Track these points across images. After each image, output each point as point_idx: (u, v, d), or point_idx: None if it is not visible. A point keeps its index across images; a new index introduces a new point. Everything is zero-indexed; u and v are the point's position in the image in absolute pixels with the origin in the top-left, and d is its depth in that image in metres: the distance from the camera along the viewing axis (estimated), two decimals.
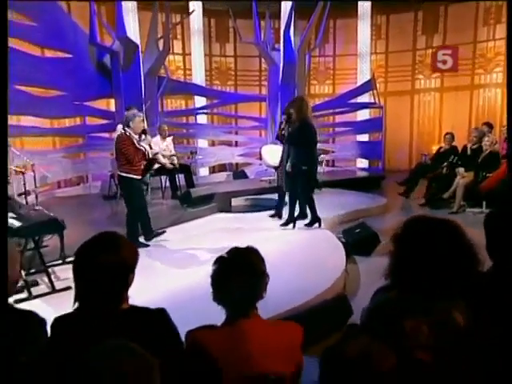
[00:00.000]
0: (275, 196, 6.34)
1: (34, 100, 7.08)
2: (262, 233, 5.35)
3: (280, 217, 5.94)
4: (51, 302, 3.43)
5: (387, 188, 8.73)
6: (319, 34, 9.65)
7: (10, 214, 3.70)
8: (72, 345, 1.38)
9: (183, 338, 1.57)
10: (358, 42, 10.54)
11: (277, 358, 1.45)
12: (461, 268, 1.36)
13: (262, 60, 10.47)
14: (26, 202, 5.37)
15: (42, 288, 3.82)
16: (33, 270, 3.92)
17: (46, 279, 3.83)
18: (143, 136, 4.95)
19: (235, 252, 1.57)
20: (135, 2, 8.57)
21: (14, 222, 3.59)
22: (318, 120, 10.72)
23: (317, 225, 5.54)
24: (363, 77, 10.28)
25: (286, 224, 5.58)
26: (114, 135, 5.27)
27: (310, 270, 4.11)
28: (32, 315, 1.50)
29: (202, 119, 9.98)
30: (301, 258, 4.49)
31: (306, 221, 5.63)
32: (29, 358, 1.36)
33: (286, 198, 5.89)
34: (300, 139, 5.33)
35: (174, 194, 7.41)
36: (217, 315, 1.58)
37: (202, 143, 9.92)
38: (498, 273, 1.60)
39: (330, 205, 6.98)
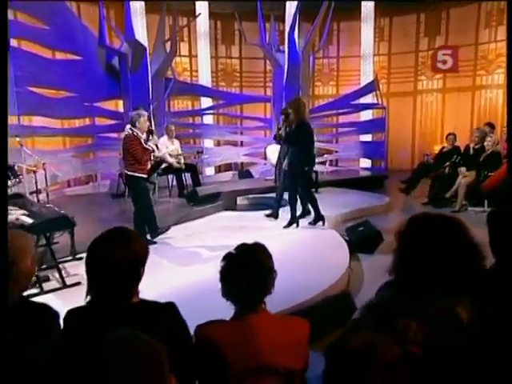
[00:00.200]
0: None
1: (45, 101, 7.12)
2: (267, 231, 5.35)
3: (276, 217, 5.89)
4: (62, 297, 3.45)
5: (390, 187, 8.70)
6: (323, 36, 9.63)
7: (23, 211, 3.74)
8: (84, 337, 1.39)
9: (191, 333, 1.58)
10: (361, 43, 10.50)
11: (285, 353, 1.46)
12: (464, 265, 1.35)
13: (267, 62, 10.45)
14: (38, 200, 5.42)
15: (53, 283, 3.85)
16: (44, 266, 3.94)
17: (56, 275, 3.87)
18: (150, 136, 4.98)
19: (243, 248, 1.58)
20: (143, 6, 8.58)
21: (26, 219, 3.62)
22: (322, 120, 10.74)
23: (320, 223, 5.52)
24: (366, 78, 10.24)
25: (288, 225, 5.54)
26: (123, 135, 5.30)
27: (314, 267, 4.11)
28: (46, 308, 1.52)
29: (208, 120, 9.98)
30: (305, 255, 4.49)
31: (310, 219, 5.61)
32: (43, 349, 1.38)
33: (285, 197, 5.85)
34: (298, 139, 5.31)
35: (181, 192, 7.43)
36: (222, 311, 1.58)
37: (208, 143, 9.92)
38: (501, 270, 1.59)
39: (334, 203, 6.98)
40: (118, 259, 1.43)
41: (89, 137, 8.32)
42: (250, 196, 7.34)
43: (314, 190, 8.03)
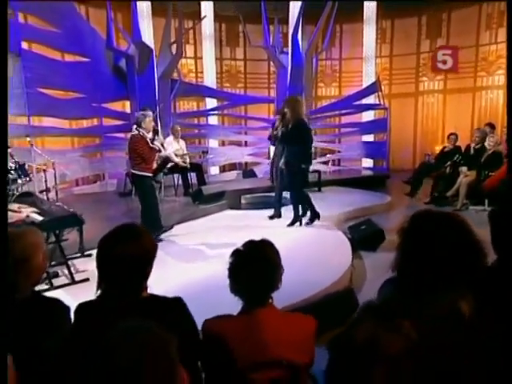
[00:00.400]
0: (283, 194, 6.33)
1: (54, 102, 7.15)
2: (271, 229, 5.35)
3: (279, 216, 5.86)
4: (71, 293, 3.46)
5: (392, 187, 8.69)
6: (326, 38, 9.62)
7: (33, 209, 3.76)
8: (94, 329, 1.40)
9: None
10: (363, 45, 10.47)
11: (291, 347, 1.46)
12: (466, 261, 1.35)
13: (271, 63, 10.45)
14: (47, 199, 5.44)
15: (62, 279, 3.87)
16: (54, 262, 3.96)
17: (66, 271, 3.88)
18: (155, 136, 5.00)
19: (251, 245, 1.58)
20: (150, 9, 8.60)
21: (36, 217, 3.64)
22: (325, 121, 10.73)
23: (317, 220, 5.47)
24: (368, 79, 10.21)
25: (292, 224, 5.53)
26: (129, 135, 5.32)
27: (317, 264, 4.11)
28: (58, 302, 1.53)
29: (212, 120, 9.99)
30: (309, 252, 4.49)
31: (306, 218, 5.56)
32: (55, 341, 1.39)
33: (285, 196, 5.82)
34: (295, 138, 5.23)
35: (186, 191, 7.45)
36: (228, 307, 1.58)
37: (213, 143, 9.93)
38: (503, 267, 1.59)
39: (337, 202, 6.98)
40: (128, 255, 1.44)
41: (96, 137, 8.35)
42: (254, 195, 7.34)
43: (316, 188, 8.10)
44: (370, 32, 10.37)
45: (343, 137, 10.85)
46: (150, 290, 1.56)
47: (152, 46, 8.37)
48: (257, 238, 1.67)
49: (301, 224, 5.53)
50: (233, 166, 10.42)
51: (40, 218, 3.63)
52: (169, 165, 7.30)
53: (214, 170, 9.74)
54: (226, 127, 10.40)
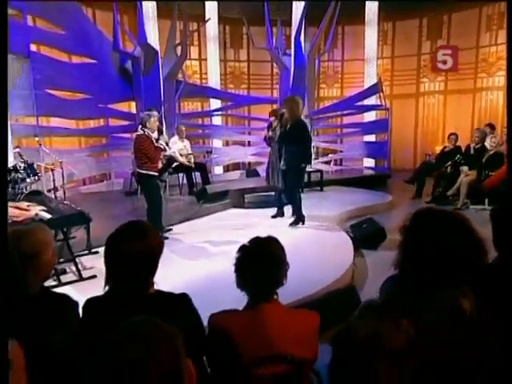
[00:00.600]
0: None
1: (62, 103, 7.17)
2: (274, 227, 5.33)
3: (282, 215, 5.83)
4: (78, 289, 3.48)
5: (393, 186, 8.67)
6: (328, 39, 9.59)
7: (41, 207, 3.78)
8: (102, 325, 1.41)
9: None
10: (365, 47, 10.45)
11: (295, 342, 1.46)
12: (467, 259, 1.35)
13: (274, 65, 10.44)
14: (55, 197, 5.46)
15: (70, 276, 3.88)
16: (62, 260, 3.98)
17: (73, 268, 3.89)
18: (160, 135, 5.01)
19: (257, 241, 1.58)
20: (155, 11, 8.61)
21: (45, 215, 3.65)
22: (327, 121, 10.71)
23: (301, 224, 5.36)
24: (370, 80, 10.19)
25: (295, 223, 5.50)
26: (135, 136, 5.32)
27: (320, 262, 4.11)
28: (67, 298, 1.54)
29: (216, 120, 9.99)
30: (311, 250, 4.48)
31: (291, 220, 5.48)
32: (63, 335, 1.39)
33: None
34: (294, 138, 5.16)
35: (191, 190, 7.46)
36: (231, 302, 1.59)
37: (217, 143, 9.93)
38: (503, 264, 1.58)
39: (339, 202, 6.98)
40: (135, 252, 1.44)
41: (103, 137, 8.37)
42: (257, 194, 7.35)
43: (319, 188, 8.09)
44: (371, 34, 10.34)
45: (345, 137, 10.83)
46: (156, 287, 1.56)
47: (157, 47, 8.38)
48: (261, 235, 1.67)
49: (303, 223, 5.51)
50: (236, 166, 10.43)
51: (48, 216, 3.64)
52: (174, 164, 7.31)
53: (217, 170, 9.74)
54: (230, 127, 10.40)
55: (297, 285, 3.20)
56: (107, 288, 1.50)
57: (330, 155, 10.41)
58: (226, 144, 10.30)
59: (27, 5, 6.37)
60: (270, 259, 1.52)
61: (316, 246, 4.72)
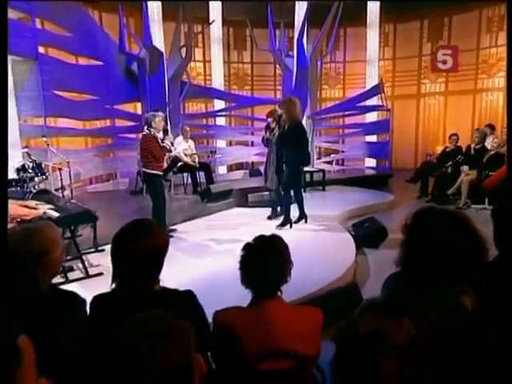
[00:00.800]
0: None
1: (69, 104, 7.18)
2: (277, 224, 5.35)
3: (277, 216, 5.76)
4: (85, 286, 3.47)
5: (394, 185, 8.66)
6: (330, 41, 9.58)
7: (49, 206, 3.79)
8: (109, 321, 1.41)
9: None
10: (366, 48, 10.42)
11: (298, 339, 1.46)
12: (469, 257, 1.34)
13: (277, 66, 10.44)
14: (63, 196, 5.48)
15: (77, 273, 3.89)
16: (69, 257, 3.99)
17: (80, 265, 3.90)
18: (165, 135, 5.02)
19: (262, 239, 1.58)
20: (161, 14, 8.62)
21: (52, 213, 3.66)
22: (329, 122, 10.69)
23: (288, 226, 5.31)
24: (372, 81, 10.16)
25: (297, 221, 5.47)
26: (140, 136, 5.33)
27: (322, 260, 4.10)
28: (75, 296, 1.54)
29: (220, 121, 10.00)
30: (314, 249, 4.47)
31: (279, 221, 5.42)
32: (72, 332, 1.40)
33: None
34: (292, 139, 5.12)
35: (195, 189, 7.47)
36: (235, 300, 1.59)
37: (221, 143, 9.93)
38: (504, 262, 1.58)
39: (341, 201, 6.97)
40: (141, 250, 1.44)
41: (109, 137, 8.39)
42: (260, 193, 7.34)
43: (321, 187, 8.08)
44: (373, 35, 10.31)
45: (347, 137, 10.81)
46: (161, 284, 1.56)
47: (162, 49, 8.39)
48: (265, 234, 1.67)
49: (306, 221, 5.48)
50: (240, 166, 10.43)
51: (56, 215, 3.65)
52: (178, 164, 7.32)
53: (221, 170, 9.75)
54: (234, 128, 10.40)
55: (300, 283, 3.19)
56: (114, 285, 1.50)
57: (332, 155, 10.40)
58: (230, 144, 10.30)
59: (36, 8, 6.39)
60: (274, 257, 1.52)
61: (318, 244, 4.72)
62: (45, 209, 3.68)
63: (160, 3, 8.55)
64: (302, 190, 7.55)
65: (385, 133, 9.72)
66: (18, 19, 6.48)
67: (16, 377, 0.89)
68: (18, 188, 4.98)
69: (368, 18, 10.20)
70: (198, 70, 10.55)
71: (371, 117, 10.21)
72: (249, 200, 7.07)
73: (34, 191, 4.93)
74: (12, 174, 5.38)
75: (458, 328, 1.22)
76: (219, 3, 9.41)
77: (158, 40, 8.46)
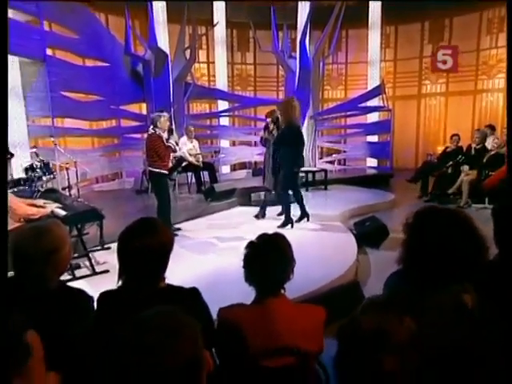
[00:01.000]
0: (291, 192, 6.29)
1: (76, 104, 7.20)
2: (278, 224, 5.34)
3: (264, 216, 5.75)
4: (91, 283, 3.49)
5: (395, 185, 8.64)
6: (332, 43, 9.56)
7: (57, 205, 3.80)
8: (115, 317, 1.41)
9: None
10: (368, 50, 10.40)
11: (302, 336, 1.45)
12: (469, 256, 1.34)
13: (280, 67, 10.43)
14: (70, 195, 5.49)
15: (84, 270, 3.90)
16: (76, 255, 4.00)
17: (87, 263, 3.92)
18: (170, 134, 5.03)
19: (265, 237, 1.58)
20: (165, 16, 8.62)
21: (60, 212, 3.67)
22: (331, 122, 10.68)
23: (289, 226, 5.26)
24: (373, 82, 10.13)
25: (299, 220, 5.45)
26: (146, 135, 5.34)
27: (324, 258, 4.10)
28: (83, 293, 1.55)
29: (224, 121, 10.00)
30: (315, 247, 4.47)
31: (279, 222, 5.38)
32: (80, 327, 1.41)
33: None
34: (288, 140, 5.09)
35: (199, 189, 7.48)
36: (239, 297, 1.59)
37: (224, 143, 9.94)
38: (504, 261, 1.57)
39: (343, 200, 6.96)
40: (147, 247, 1.44)
41: (115, 137, 8.41)
42: (263, 192, 7.34)
43: (323, 187, 8.07)
44: (374, 37, 10.28)
45: (348, 137, 10.79)
46: (167, 281, 1.57)
47: (167, 51, 8.39)
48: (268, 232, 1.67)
49: (308, 219, 5.47)
50: (243, 165, 10.43)
51: (63, 213, 3.66)
52: (183, 164, 7.33)
53: (225, 169, 9.75)
54: (237, 128, 10.40)
55: (302, 281, 3.18)
56: (120, 282, 1.50)
57: (333, 155, 10.39)
58: (233, 144, 10.30)
59: (44, 10, 6.41)
60: (277, 255, 1.52)
61: (320, 243, 4.71)
62: (52, 207, 3.68)
63: (165, 6, 8.56)
64: (305, 189, 7.61)
65: (386, 133, 9.70)
66: (27, 22, 6.50)
67: (24, 372, 0.89)
68: (27, 187, 5.01)
69: (370, 19, 10.17)
70: (202, 71, 10.56)
71: (372, 117, 10.18)
72: (252, 199, 7.07)
73: (42, 190, 4.95)
74: (20, 174, 5.42)
75: (458, 326, 1.21)
76: (223, 5, 9.41)
77: (163, 42, 8.47)
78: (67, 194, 5.48)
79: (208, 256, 4.36)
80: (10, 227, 3.26)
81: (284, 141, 5.16)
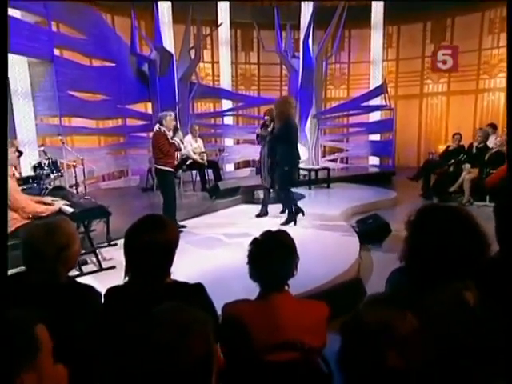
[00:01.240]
0: (294, 189, 6.28)
1: (83, 104, 7.22)
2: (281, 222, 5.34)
3: (266, 214, 5.75)
4: (98, 279, 3.51)
5: (397, 183, 8.61)
6: (335, 42, 9.51)
7: (65, 202, 3.82)
8: (122, 312, 1.42)
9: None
10: (370, 50, 10.34)
11: (305, 331, 1.45)
12: (471, 253, 1.33)
13: (283, 67, 10.40)
14: (77, 192, 5.52)
15: (91, 266, 3.93)
16: (83, 251, 4.02)
17: (94, 259, 3.94)
18: (176, 133, 5.04)
19: (269, 234, 1.58)
20: (171, 17, 8.62)
21: (68, 209, 3.69)
22: (334, 121, 10.64)
23: (292, 223, 5.24)
24: (375, 82, 10.09)
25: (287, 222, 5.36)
26: (152, 134, 5.35)
27: (327, 255, 4.10)
28: (91, 289, 1.56)
29: (228, 120, 9.99)
30: (318, 244, 4.47)
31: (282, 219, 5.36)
32: (88, 322, 1.41)
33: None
34: (282, 138, 5.06)
35: (204, 186, 7.48)
36: (242, 293, 1.59)
37: (229, 142, 9.93)
38: (505, 258, 1.56)
39: (345, 198, 6.95)
40: (153, 243, 1.44)
41: (121, 136, 8.42)
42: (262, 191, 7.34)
43: (325, 185, 8.05)
44: (377, 37, 10.23)
45: (351, 136, 10.76)
46: (172, 276, 1.57)
47: (172, 51, 8.39)
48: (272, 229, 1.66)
49: (303, 214, 5.37)
50: (247, 163, 10.42)
51: (71, 210, 3.68)
52: (188, 162, 7.34)
53: (229, 167, 9.74)
54: (241, 127, 10.39)
55: (305, 277, 3.18)
56: (127, 278, 1.51)
57: (336, 153, 10.35)
58: (237, 142, 10.29)
59: (52, 11, 6.43)
60: (281, 252, 1.51)
61: (323, 240, 4.70)
62: (60, 204, 3.70)
63: (170, 6, 8.55)
64: (308, 187, 7.60)
65: (388, 132, 9.66)
66: (35, 23, 6.52)
67: (34, 365, 0.90)
68: (35, 184, 5.03)
69: (372, 19, 10.11)
70: (207, 70, 10.55)
71: (375, 116, 10.14)
72: (255, 197, 7.07)
73: (50, 187, 4.98)
74: (29, 171, 5.44)
75: (460, 323, 1.21)
76: (227, 6, 9.39)
77: (168, 42, 8.46)
78: (74, 191, 5.50)
79: (212, 252, 4.37)
80: (18, 224, 3.29)
81: (279, 138, 5.14)
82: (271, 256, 1.50)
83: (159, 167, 4.98)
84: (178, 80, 8.35)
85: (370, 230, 4.87)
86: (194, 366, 0.81)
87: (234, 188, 6.97)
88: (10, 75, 6.11)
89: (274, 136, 5.25)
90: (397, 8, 9.75)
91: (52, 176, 5.24)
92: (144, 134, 8.34)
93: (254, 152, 9.99)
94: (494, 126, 7.78)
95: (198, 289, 1.56)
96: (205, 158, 7.71)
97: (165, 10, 8.52)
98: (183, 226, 5.25)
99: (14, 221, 3.28)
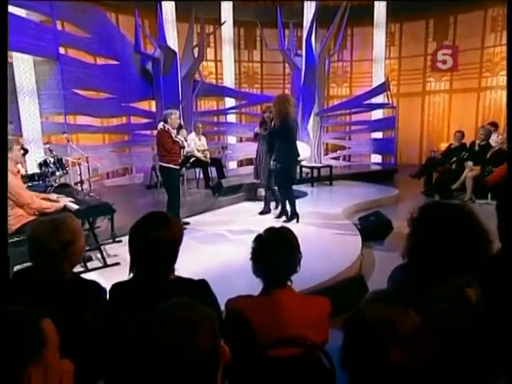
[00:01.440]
0: (297, 187, 6.27)
1: (88, 102, 7.23)
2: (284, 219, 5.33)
3: (269, 211, 5.73)
4: (103, 275, 3.52)
5: (399, 181, 8.58)
6: (338, 40, 9.48)
7: (70, 199, 3.83)
8: (127, 308, 1.42)
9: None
10: (373, 48, 10.29)
11: (308, 326, 1.45)
12: (473, 249, 1.32)
13: (286, 65, 10.37)
14: (82, 189, 5.53)
15: (96, 263, 3.93)
16: (88, 248, 4.03)
17: (98, 255, 3.95)
18: (180, 130, 5.04)
19: (272, 231, 1.58)
20: (174, 16, 8.59)
21: (73, 206, 3.70)
22: (336, 119, 10.61)
23: (295, 221, 5.20)
24: (378, 80, 10.04)
25: (279, 216, 5.38)
26: (156, 131, 5.36)
27: (329, 252, 4.10)
28: (96, 284, 1.56)
29: (231, 118, 9.98)
30: (321, 241, 4.47)
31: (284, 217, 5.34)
32: (93, 317, 1.42)
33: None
34: (281, 136, 5.02)
35: (207, 184, 7.48)
36: (245, 288, 1.59)
37: (232, 139, 9.92)
38: (507, 255, 1.55)
39: (348, 195, 6.94)
40: (157, 240, 1.44)
41: (125, 134, 8.43)
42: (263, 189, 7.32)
43: (328, 182, 8.04)
44: (379, 35, 10.17)
45: (353, 134, 10.72)
46: (176, 272, 1.57)
47: (176, 49, 8.37)
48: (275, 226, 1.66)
49: (298, 221, 5.30)
50: (250, 161, 10.40)
51: (76, 207, 3.69)
52: (191, 159, 7.34)
53: (232, 165, 9.74)
54: (244, 125, 10.37)
55: (307, 274, 3.18)
56: (131, 274, 1.51)
57: (339, 151, 10.33)
58: (240, 140, 10.28)
59: (57, 10, 6.44)
60: (284, 248, 1.52)
61: (325, 237, 4.70)
62: (65, 201, 3.72)
63: (174, 5, 8.53)
64: (310, 184, 7.58)
65: (390, 129, 9.62)
66: (41, 22, 6.53)
67: (40, 360, 0.90)
68: (41, 182, 5.05)
69: (375, 17, 10.06)
70: (210, 69, 10.53)
71: (377, 114, 10.10)
72: (258, 194, 7.07)
73: (55, 185, 4.99)
74: (35, 169, 5.46)
75: (462, 320, 1.21)
76: (230, 5, 9.36)
77: (172, 40, 8.45)
78: (79, 188, 5.51)
79: (216, 248, 4.38)
80: (25, 221, 3.30)
81: (277, 136, 5.10)
82: (274, 252, 1.50)
83: (163, 165, 4.99)
84: (182, 78, 8.34)
85: (373, 228, 4.87)
86: (201, 362, 0.81)
87: (237, 185, 6.97)
88: (15, 74, 6.12)
89: (272, 133, 5.22)
90: (399, 6, 9.70)
91: (57, 173, 5.26)
92: (148, 132, 8.34)
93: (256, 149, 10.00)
94: (495, 125, 7.74)
95: (202, 285, 1.57)
96: (208, 155, 7.71)
97: (168, 9, 8.50)
98: (187, 223, 5.26)
99: (21, 217, 3.30)
